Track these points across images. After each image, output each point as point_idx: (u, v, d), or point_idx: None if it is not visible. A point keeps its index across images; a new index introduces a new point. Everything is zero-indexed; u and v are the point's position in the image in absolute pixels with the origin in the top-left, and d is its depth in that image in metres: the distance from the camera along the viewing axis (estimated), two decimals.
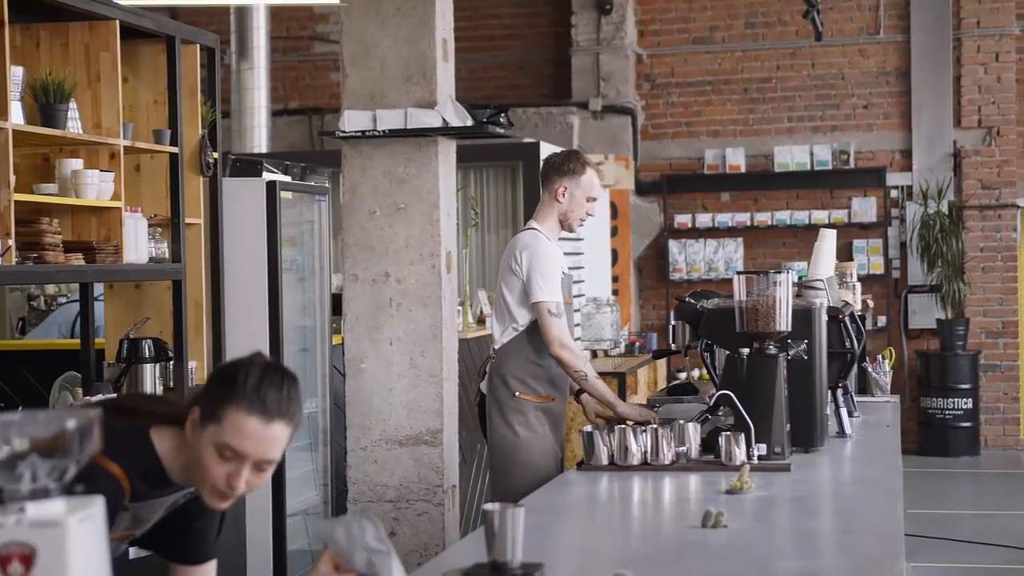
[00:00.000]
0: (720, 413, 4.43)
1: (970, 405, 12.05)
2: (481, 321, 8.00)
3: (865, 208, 12.46)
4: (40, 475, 1.78)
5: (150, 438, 2.64)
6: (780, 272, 4.41)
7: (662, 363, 11.19)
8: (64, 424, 1.79)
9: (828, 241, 5.64)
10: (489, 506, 2.68)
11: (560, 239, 5.29)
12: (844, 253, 12.20)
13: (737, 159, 12.71)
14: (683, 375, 11.44)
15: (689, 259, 12.81)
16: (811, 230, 12.39)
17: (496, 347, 5.21)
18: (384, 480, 5.56)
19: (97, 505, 1.80)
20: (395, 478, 5.56)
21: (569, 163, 5.24)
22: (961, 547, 8.37)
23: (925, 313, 12.42)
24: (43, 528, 1.73)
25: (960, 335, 12.11)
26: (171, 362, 5.63)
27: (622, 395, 9.04)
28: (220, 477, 2.53)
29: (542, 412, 5.11)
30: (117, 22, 5.19)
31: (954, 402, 12.02)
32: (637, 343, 11.03)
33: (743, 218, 12.66)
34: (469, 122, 5.80)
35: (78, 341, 5.85)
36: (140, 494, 2.62)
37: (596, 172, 5.29)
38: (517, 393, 5.11)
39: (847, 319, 5.04)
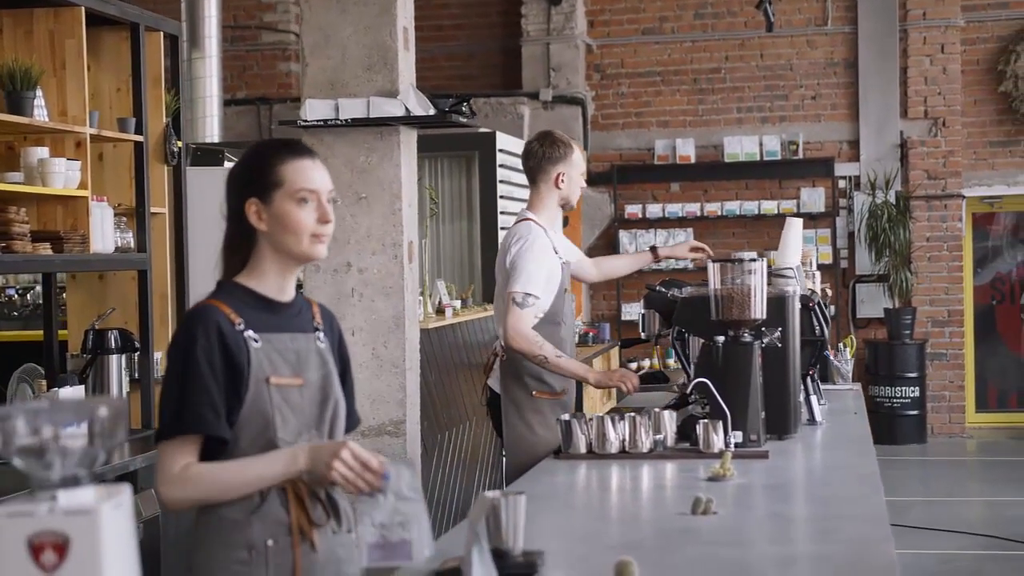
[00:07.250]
0: (693, 401, 4.45)
1: (917, 393, 12.18)
2: (440, 311, 7.98)
3: (814, 198, 12.55)
4: (70, 463, 1.76)
5: (232, 282, 2.82)
6: (755, 260, 4.42)
7: (614, 353, 11.23)
8: (95, 411, 1.77)
9: (795, 230, 5.68)
10: (491, 494, 2.68)
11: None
12: None
13: (687, 150, 12.76)
14: (634, 365, 11.50)
15: (640, 249, 12.83)
16: (760, 220, 12.49)
17: (504, 345, 5.11)
18: None
19: (126, 493, 1.78)
20: None
21: (559, 148, 5.21)
22: (910, 533, 8.46)
23: (873, 302, 12.54)
24: (76, 516, 1.71)
25: (907, 324, 12.23)
26: (137, 353, 5.57)
27: (578, 385, 9.03)
28: (310, 221, 2.78)
29: (559, 408, 5.06)
30: (83, 8, 5.13)
31: (901, 390, 12.15)
32: (591, 333, 11.07)
33: (693, 208, 12.71)
34: (432, 111, 5.78)
35: (40, 333, 5.77)
36: (254, 322, 2.76)
37: (576, 143, 5.33)
38: (535, 392, 5.08)
39: (816, 306, 5.08)
